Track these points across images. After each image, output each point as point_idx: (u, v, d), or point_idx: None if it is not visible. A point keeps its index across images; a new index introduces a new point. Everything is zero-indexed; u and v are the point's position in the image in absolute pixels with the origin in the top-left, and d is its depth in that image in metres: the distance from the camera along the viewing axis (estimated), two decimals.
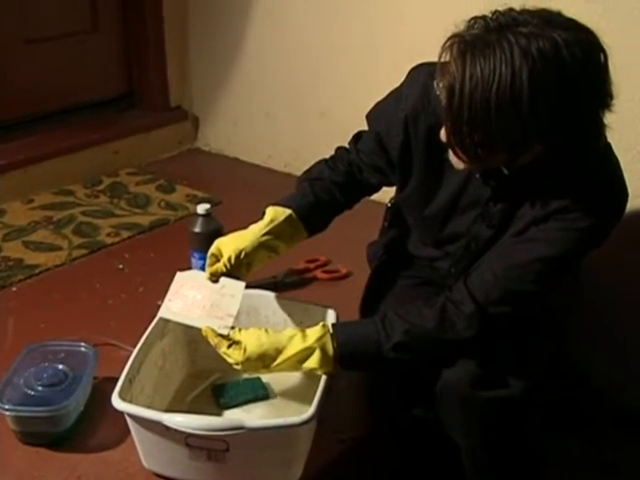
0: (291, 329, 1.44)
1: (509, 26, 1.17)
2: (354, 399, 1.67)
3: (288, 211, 1.55)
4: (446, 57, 1.22)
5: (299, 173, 2.63)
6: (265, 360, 1.40)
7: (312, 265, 2.19)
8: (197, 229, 1.91)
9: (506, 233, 1.41)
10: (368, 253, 1.89)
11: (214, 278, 1.53)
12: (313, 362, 1.39)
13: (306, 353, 1.39)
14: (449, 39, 1.22)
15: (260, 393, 1.64)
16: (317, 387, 1.57)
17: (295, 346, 1.40)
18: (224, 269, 1.52)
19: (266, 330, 1.43)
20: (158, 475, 1.46)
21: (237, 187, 2.76)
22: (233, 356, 1.41)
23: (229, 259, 1.51)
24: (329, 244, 2.28)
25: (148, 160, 2.94)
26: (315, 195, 1.58)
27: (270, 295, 1.70)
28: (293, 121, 2.80)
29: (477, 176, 1.40)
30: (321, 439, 1.47)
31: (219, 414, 1.59)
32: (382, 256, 1.82)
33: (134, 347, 1.74)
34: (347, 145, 1.66)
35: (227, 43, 2.89)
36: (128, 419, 1.40)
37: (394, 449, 1.63)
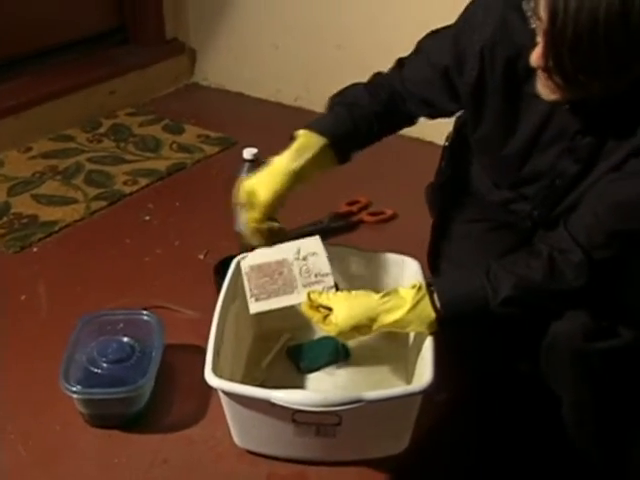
0: (383, 293, 1.30)
1: None
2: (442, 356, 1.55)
3: (322, 140, 1.39)
4: None
5: (312, 107, 2.48)
6: (360, 330, 1.29)
7: (355, 208, 2.05)
8: (245, 175, 1.72)
9: (595, 168, 1.29)
10: (427, 195, 1.76)
11: (257, 228, 1.39)
12: (413, 328, 1.28)
13: (404, 322, 1.27)
14: None
15: (341, 354, 1.51)
16: (406, 345, 1.47)
17: (391, 314, 1.27)
18: (259, 215, 1.38)
19: (356, 295, 1.30)
20: (253, 453, 1.32)
21: (249, 124, 2.58)
22: (327, 329, 1.30)
23: (266, 200, 1.36)
24: (367, 185, 2.16)
25: (145, 98, 2.73)
26: (354, 123, 1.42)
27: (342, 248, 1.55)
28: (305, 53, 2.61)
29: (566, 107, 1.26)
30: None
31: (301, 378, 1.47)
32: (445, 199, 1.69)
33: (188, 309, 1.63)
34: (386, 71, 1.50)
35: None
36: (222, 396, 1.25)
37: (490, 407, 1.52)
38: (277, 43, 2.66)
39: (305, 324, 1.53)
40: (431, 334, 1.30)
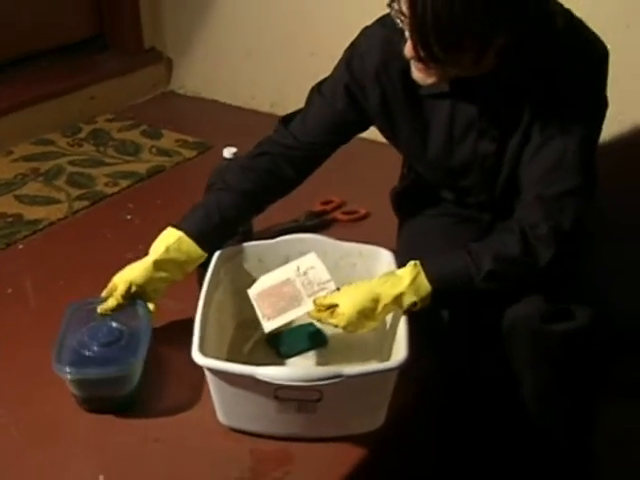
0: (380, 276, 1.40)
1: None
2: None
3: (178, 234, 1.51)
4: None
5: (286, 113, 2.57)
6: (366, 315, 1.35)
7: (329, 207, 2.13)
8: None
9: (510, 141, 1.41)
10: (393, 200, 1.85)
11: (107, 313, 1.49)
12: (412, 302, 1.35)
13: (405, 297, 1.35)
14: None
15: (320, 340, 1.58)
16: (382, 332, 1.54)
17: (392, 290, 1.35)
18: (115, 303, 1.48)
19: (356, 285, 1.39)
20: (238, 431, 1.39)
21: (224, 130, 2.64)
22: (335, 322, 1.37)
23: (120, 292, 1.47)
24: (340, 185, 2.24)
25: (124, 105, 2.79)
26: (221, 214, 1.52)
27: (321, 239, 1.64)
28: (279, 60, 2.69)
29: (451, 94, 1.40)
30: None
31: (281, 363, 1.53)
32: (408, 201, 1.78)
33: (171, 300, 1.68)
34: (272, 137, 1.60)
35: None
36: (208, 375, 1.32)
37: (460, 389, 1.60)
38: (250, 50, 2.74)
39: None
40: (404, 314, 1.37)
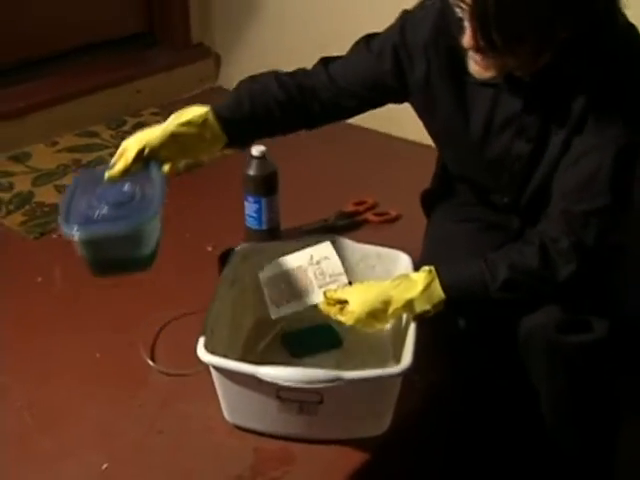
0: (393, 278, 1.38)
1: None
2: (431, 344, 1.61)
3: (205, 109, 1.39)
4: None
5: None
6: (376, 316, 1.34)
7: (361, 208, 2.12)
8: (251, 172, 1.82)
9: (547, 148, 1.36)
10: (422, 200, 1.82)
11: (114, 178, 1.32)
12: (423, 309, 1.33)
13: (417, 303, 1.33)
14: None
15: (335, 341, 1.58)
16: (397, 334, 1.53)
17: (404, 294, 1.33)
18: (124, 166, 1.32)
19: (369, 284, 1.38)
20: (242, 429, 1.40)
21: None
22: (344, 320, 1.36)
23: (132, 154, 1.32)
24: (374, 186, 2.23)
25: (170, 100, 2.80)
26: (252, 106, 1.44)
27: (340, 240, 1.63)
28: None
29: (506, 87, 1.35)
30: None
31: (293, 364, 1.53)
32: (437, 202, 1.76)
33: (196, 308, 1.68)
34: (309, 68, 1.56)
35: None
36: (213, 372, 1.34)
37: (474, 397, 1.58)
38: (298, 49, 2.74)
39: (301, 314, 1.60)
40: (414, 320, 1.36)
